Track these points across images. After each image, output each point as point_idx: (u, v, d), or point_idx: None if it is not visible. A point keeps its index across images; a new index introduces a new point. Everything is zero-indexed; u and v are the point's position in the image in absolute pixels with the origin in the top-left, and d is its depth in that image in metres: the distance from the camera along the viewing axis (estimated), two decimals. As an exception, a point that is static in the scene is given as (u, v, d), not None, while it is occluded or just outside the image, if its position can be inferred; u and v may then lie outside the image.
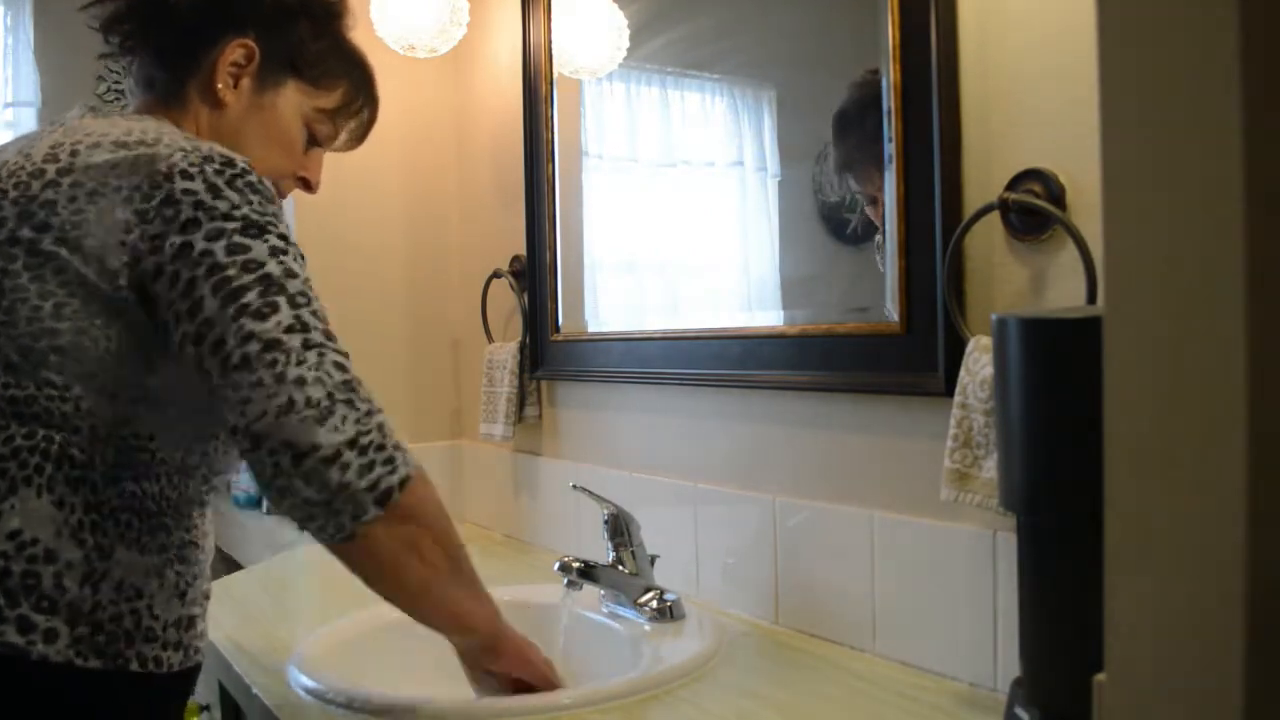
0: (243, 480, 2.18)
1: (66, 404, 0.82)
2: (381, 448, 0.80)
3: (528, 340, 1.84)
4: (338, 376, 0.80)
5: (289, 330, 0.79)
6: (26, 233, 0.83)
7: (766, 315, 1.36)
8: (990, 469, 0.99)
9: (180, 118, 0.99)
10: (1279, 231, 0.34)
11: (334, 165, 1.19)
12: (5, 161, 0.90)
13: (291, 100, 1.05)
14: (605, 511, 1.36)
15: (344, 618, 1.34)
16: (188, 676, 0.92)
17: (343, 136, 1.12)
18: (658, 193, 1.60)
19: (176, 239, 0.81)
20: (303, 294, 0.82)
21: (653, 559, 1.38)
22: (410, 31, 1.79)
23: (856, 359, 1.18)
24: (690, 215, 1.52)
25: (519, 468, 1.92)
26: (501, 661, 1.03)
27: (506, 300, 1.94)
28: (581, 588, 1.32)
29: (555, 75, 1.77)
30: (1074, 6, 0.95)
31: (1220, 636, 0.35)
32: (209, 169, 0.84)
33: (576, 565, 1.32)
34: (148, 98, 1.01)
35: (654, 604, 1.33)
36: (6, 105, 2.83)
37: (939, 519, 1.10)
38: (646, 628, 1.30)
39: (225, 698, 1.32)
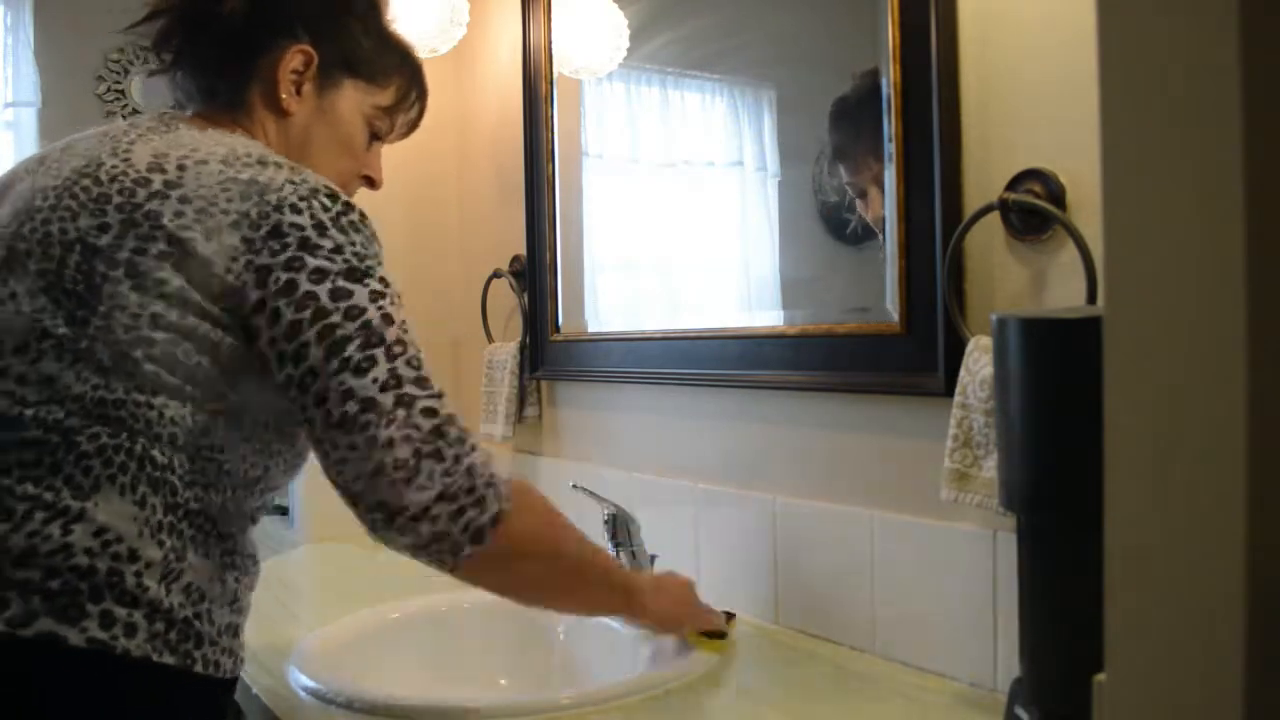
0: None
1: (152, 411, 0.84)
2: (471, 490, 0.85)
3: (528, 340, 1.84)
4: (426, 426, 0.84)
5: (384, 387, 0.83)
6: (131, 241, 0.84)
7: (766, 315, 1.36)
8: (990, 469, 0.99)
9: (250, 128, 1.00)
10: (1279, 231, 0.34)
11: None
12: (100, 162, 0.89)
13: (352, 100, 1.06)
14: (605, 511, 1.36)
15: (344, 618, 1.35)
16: (232, 687, 0.93)
17: (397, 129, 1.13)
18: (658, 193, 1.60)
19: (282, 275, 0.84)
20: (399, 341, 0.86)
21: (653, 559, 1.37)
22: (410, 32, 1.78)
23: (856, 359, 1.18)
24: (690, 215, 1.52)
25: (519, 468, 1.92)
26: (646, 626, 1.17)
27: (506, 300, 1.94)
28: (581, 588, 1.32)
29: (555, 75, 1.77)
30: (1074, 7, 0.95)
31: (1220, 636, 0.35)
32: (316, 203, 0.87)
33: (576, 565, 1.32)
34: (211, 108, 1.01)
35: (654, 604, 1.33)
36: (6, 105, 2.83)
37: (939, 519, 1.10)
38: (646, 628, 1.30)
39: (225, 698, 1.32)
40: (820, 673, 1.15)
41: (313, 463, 0.92)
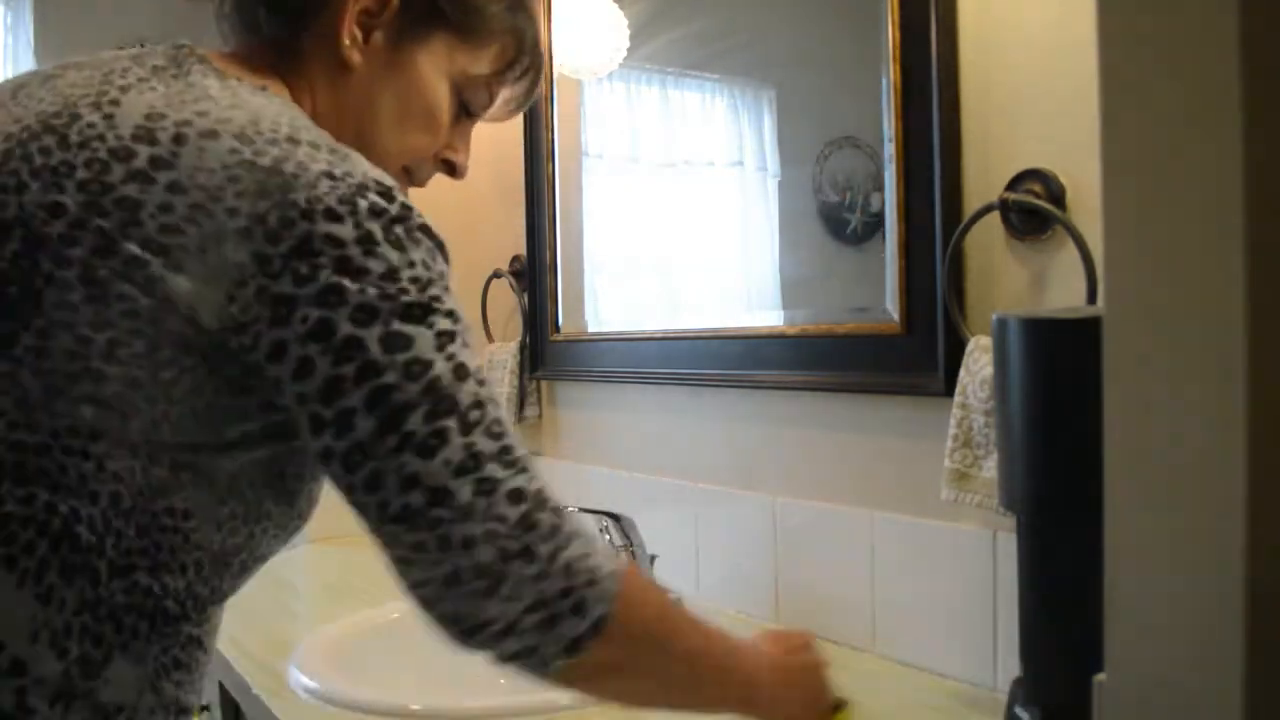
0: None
1: (88, 462, 0.61)
2: (567, 593, 0.64)
3: (528, 340, 1.84)
4: (512, 518, 0.63)
5: (459, 471, 0.62)
6: (92, 237, 0.61)
7: (766, 315, 1.36)
8: (990, 469, 0.99)
9: (294, 81, 0.76)
10: (1279, 231, 0.34)
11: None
12: (76, 114, 0.65)
13: (438, 60, 0.79)
14: (600, 522, 1.35)
15: (344, 618, 1.35)
16: None
17: (498, 105, 0.87)
18: (658, 193, 1.60)
19: (313, 313, 0.61)
20: (475, 404, 0.65)
21: (652, 559, 1.37)
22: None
23: (856, 359, 1.18)
24: (690, 215, 1.52)
25: (519, 468, 1.92)
26: None
27: (506, 300, 1.94)
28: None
29: (555, 75, 1.77)
30: (1074, 7, 0.95)
31: (1220, 636, 0.35)
32: (363, 204, 0.63)
33: (576, 565, 1.32)
34: (250, 46, 0.77)
35: (654, 604, 1.32)
36: (6, 105, 2.82)
37: (939, 519, 1.10)
38: (646, 628, 1.30)
39: (225, 698, 1.32)
40: (820, 673, 1.15)
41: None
